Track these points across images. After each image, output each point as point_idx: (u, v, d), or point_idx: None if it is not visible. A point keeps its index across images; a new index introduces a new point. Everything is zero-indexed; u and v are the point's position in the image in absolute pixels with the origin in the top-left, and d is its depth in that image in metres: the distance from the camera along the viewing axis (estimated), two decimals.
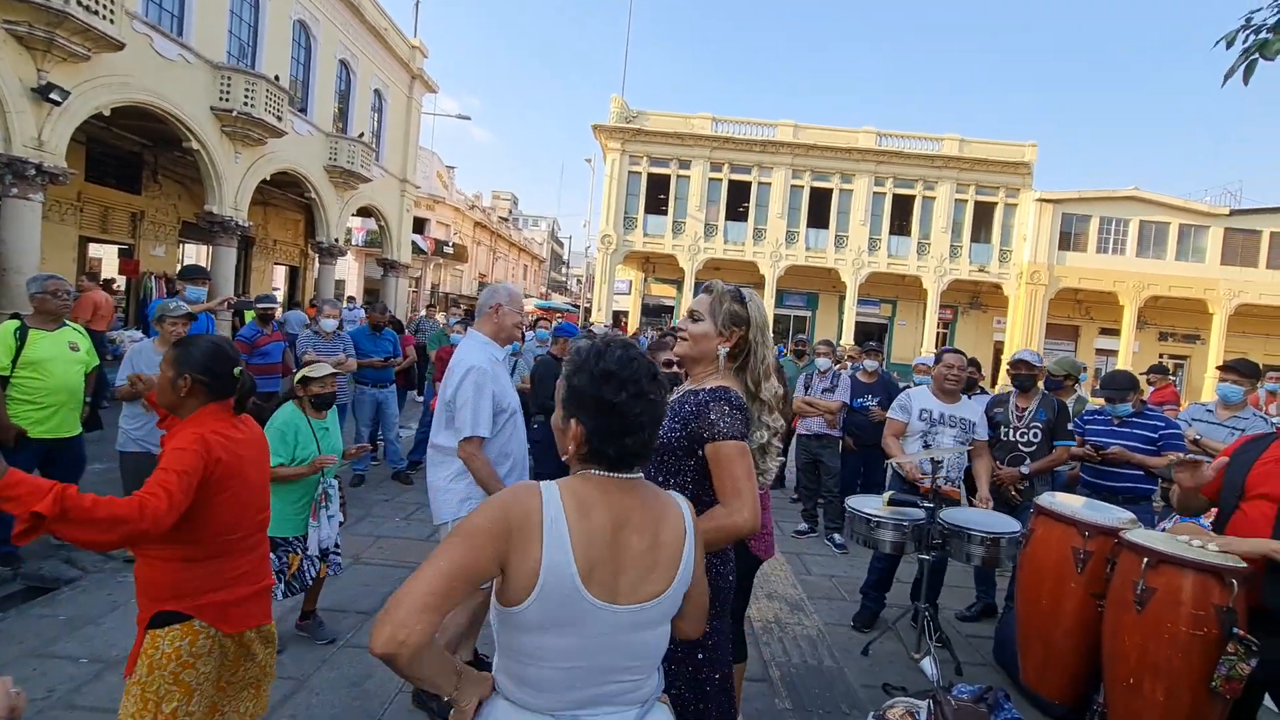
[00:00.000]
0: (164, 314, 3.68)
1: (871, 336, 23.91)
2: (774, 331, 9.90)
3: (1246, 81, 5.09)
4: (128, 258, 14.21)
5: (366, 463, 6.08)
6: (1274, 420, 4.35)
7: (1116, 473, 3.80)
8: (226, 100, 11.88)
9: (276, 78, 12.85)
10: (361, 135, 17.07)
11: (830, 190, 24.02)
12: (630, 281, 26.34)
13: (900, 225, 24.09)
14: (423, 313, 16.10)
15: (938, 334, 24.57)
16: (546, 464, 4.43)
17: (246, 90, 12.03)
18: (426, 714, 2.65)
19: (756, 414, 1.86)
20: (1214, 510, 2.22)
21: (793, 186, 23.96)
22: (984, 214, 23.97)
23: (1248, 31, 5.26)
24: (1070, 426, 4.13)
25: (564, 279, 64.89)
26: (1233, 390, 3.95)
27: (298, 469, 2.92)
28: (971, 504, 3.69)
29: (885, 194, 23.88)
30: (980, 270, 23.71)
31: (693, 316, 1.91)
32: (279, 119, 12.79)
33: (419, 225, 28.64)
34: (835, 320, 24.77)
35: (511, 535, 1.02)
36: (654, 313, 26.46)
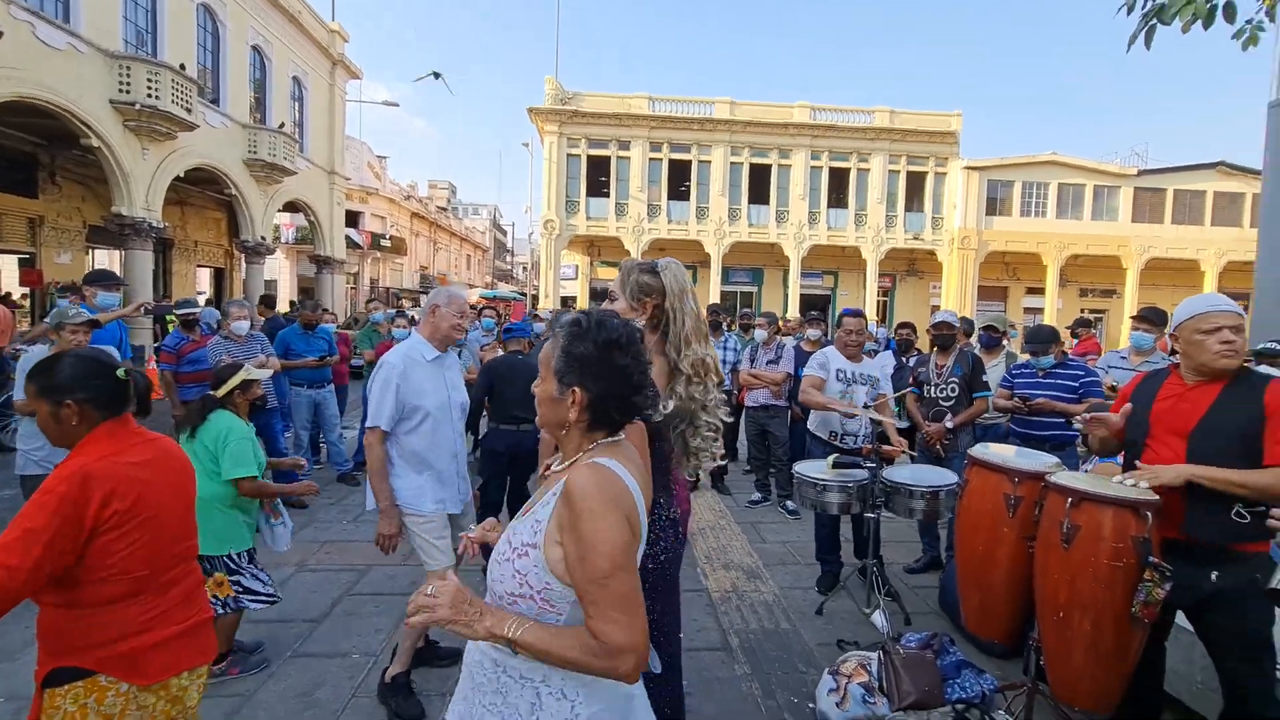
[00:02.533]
0: (62, 320, 3.39)
1: (816, 307, 24.41)
2: (722, 307, 9.96)
3: (1149, 46, 5.33)
4: (29, 267, 13.17)
5: (310, 467, 5.84)
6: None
7: (1043, 422, 4.00)
8: (127, 92, 11.07)
9: (182, 66, 12.05)
10: (282, 126, 16.23)
11: (769, 166, 24.29)
12: (576, 266, 26.11)
13: (838, 198, 24.60)
14: (363, 308, 15.56)
15: (878, 302, 25.34)
16: (488, 468, 4.17)
17: (149, 81, 11.23)
18: (387, 711, 2.58)
19: (675, 385, 1.79)
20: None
21: (732, 164, 24.11)
22: (916, 184, 24.71)
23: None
24: (1000, 381, 4.33)
25: (509, 267, 63.84)
26: (1144, 338, 4.20)
27: (297, 485, 2.89)
28: (913, 459, 3.83)
29: (822, 168, 24.31)
30: (915, 238, 24.48)
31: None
32: (189, 111, 12.03)
33: (352, 219, 27.59)
34: (781, 294, 25.20)
35: (633, 525, 1.11)
36: (601, 296, 26.17)
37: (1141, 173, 24.28)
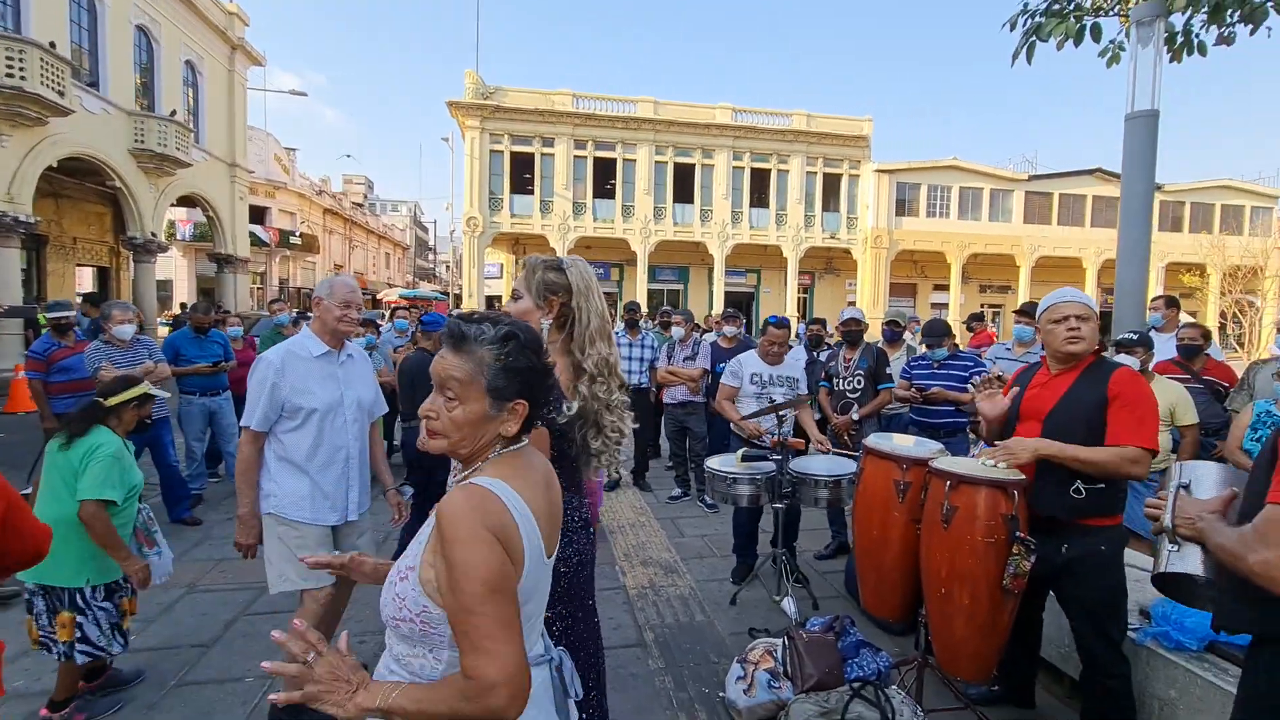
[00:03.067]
0: None
1: (740, 305, 25.06)
2: (647, 306, 9.99)
3: (1030, 61, 5.76)
4: None
5: (203, 481, 5.46)
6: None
7: (937, 410, 4.26)
8: None
9: (52, 44, 10.95)
10: (173, 113, 15.05)
11: (693, 166, 24.66)
12: (501, 264, 25.62)
13: (759, 198, 25.28)
14: (265, 311, 14.69)
15: (799, 299, 26.23)
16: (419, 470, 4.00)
17: (10, 59, 10.15)
18: None
19: (579, 384, 1.75)
20: None
21: (657, 163, 24.31)
22: (832, 185, 25.74)
23: (1025, 16, 5.95)
24: (900, 373, 4.57)
25: (431, 265, 61.88)
26: (1025, 330, 4.54)
27: (134, 566, 2.48)
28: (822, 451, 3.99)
29: (744, 168, 24.90)
30: (832, 237, 25.51)
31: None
32: (60, 94, 10.95)
33: (258, 214, 25.97)
34: (706, 292, 25.66)
35: (511, 550, 1.05)
36: None
37: (1031, 178, 26.27)
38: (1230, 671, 2.21)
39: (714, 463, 3.52)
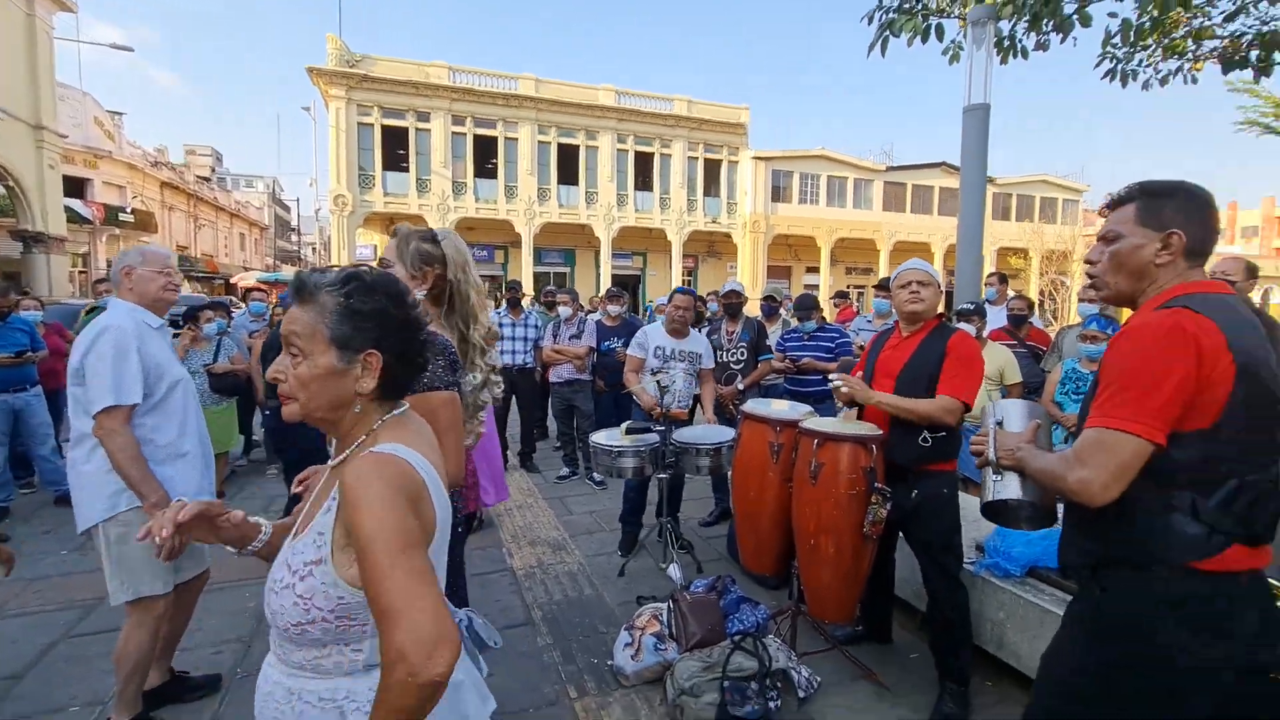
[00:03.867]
0: None
1: (626, 287, 25.23)
2: (534, 289, 9.81)
3: (884, 54, 6.19)
4: None
5: (10, 491, 4.69)
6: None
7: (808, 379, 4.53)
8: None
9: None
10: None
11: (577, 147, 24.39)
12: (375, 246, 24.04)
13: (644, 181, 25.52)
14: (90, 298, 12.81)
15: (684, 281, 26.89)
16: (291, 450, 3.80)
17: None
18: None
19: (472, 357, 1.78)
20: None
21: (540, 143, 23.81)
22: (713, 171, 26.51)
23: (880, 12, 6.38)
24: (775, 345, 4.81)
25: (295, 247, 56.94)
26: (882, 303, 4.93)
27: None
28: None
29: (628, 151, 25.00)
30: (713, 222, 26.34)
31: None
32: None
33: (76, 186, 22.53)
34: (593, 274, 25.63)
35: (422, 513, 0.99)
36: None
37: (889, 169, 28.56)
38: (1046, 592, 2.54)
39: (599, 437, 3.52)
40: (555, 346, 5.45)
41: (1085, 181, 32.52)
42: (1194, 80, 7.06)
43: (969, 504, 2.94)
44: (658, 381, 3.47)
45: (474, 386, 1.78)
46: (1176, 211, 1.35)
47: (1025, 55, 6.54)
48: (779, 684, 2.47)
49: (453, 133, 22.66)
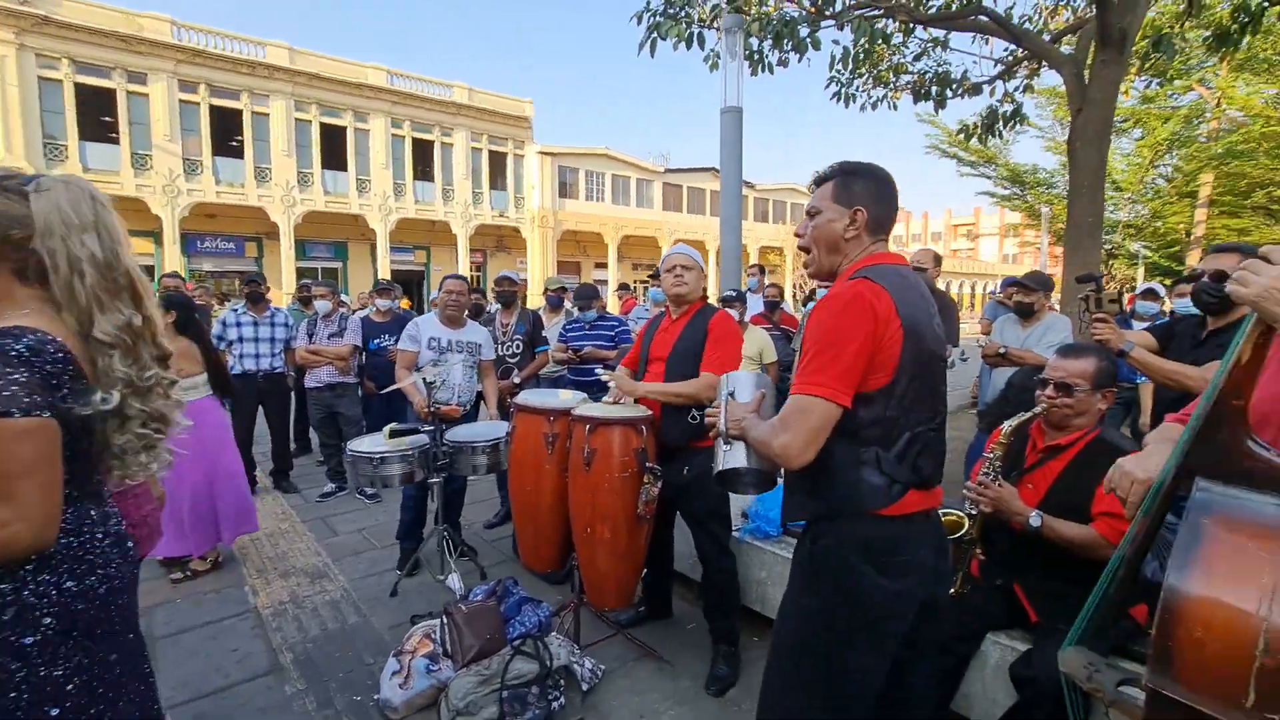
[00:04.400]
0: None
1: (408, 283, 23.67)
2: (296, 285, 8.54)
3: (653, 55, 6.43)
4: None
5: None
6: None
7: (590, 368, 4.53)
8: None
9: None
10: None
11: (344, 129, 22.09)
12: None
13: (424, 170, 24.02)
14: None
15: (472, 277, 25.90)
16: None
17: None
18: None
19: (108, 366, 1.25)
20: None
21: (298, 120, 21.09)
22: (498, 163, 25.87)
23: (648, 14, 6.62)
24: (557, 336, 4.74)
25: None
26: (658, 292, 5.12)
27: None
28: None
29: (404, 137, 23.30)
30: (501, 216, 25.75)
31: None
32: None
33: None
34: (369, 269, 23.50)
35: None
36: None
37: (667, 171, 30.48)
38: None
39: (357, 444, 3.11)
40: (311, 347, 4.77)
41: None
42: (895, 107, 8.50)
43: None
44: (424, 378, 3.16)
45: (97, 408, 1.27)
46: (863, 190, 1.49)
47: (771, 70, 7.33)
48: (561, 681, 2.39)
49: (181, 101, 19.06)
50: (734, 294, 4.41)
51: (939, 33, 7.84)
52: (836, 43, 7.37)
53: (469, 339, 3.82)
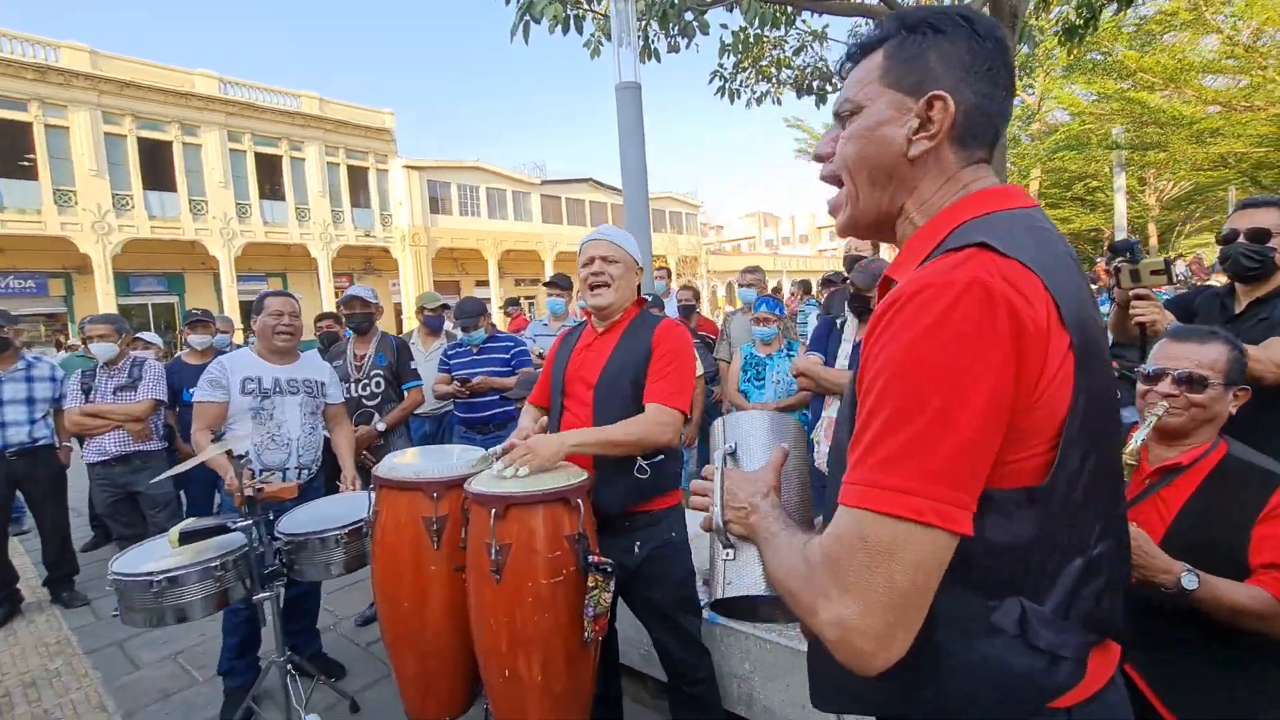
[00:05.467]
0: None
1: None
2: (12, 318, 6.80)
3: (526, 40, 5.63)
4: None
5: None
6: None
7: (484, 401, 3.64)
8: None
9: None
10: None
11: (169, 143, 19.21)
12: None
13: (272, 189, 21.49)
14: None
15: (337, 307, 23.55)
16: None
17: None
18: None
19: None
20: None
21: (108, 134, 18.04)
22: (359, 179, 23.76)
23: None
24: (439, 367, 3.81)
25: None
26: (556, 303, 4.32)
27: None
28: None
29: (245, 152, 20.70)
30: (367, 235, 23.64)
31: None
32: None
33: None
34: (214, 301, 20.56)
35: None
36: None
37: (543, 182, 29.58)
38: (794, 628, 2.11)
39: (125, 563, 2.02)
40: (88, 408, 3.48)
41: (699, 199, 38.82)
42: (778, 102, 8.29)
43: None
44: (233, 446, 2.14)
45: None
46: (942, 59, 0.76)
47: (659, 58, 6.80)
48: None
49: None
50: (648, 299, 3.70)
51: (819, 25, 7.71)
52: (725, 25, 7.14)
53: (306, 376, 2.79)
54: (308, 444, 2.78)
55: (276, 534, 2.20)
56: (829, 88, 7.90)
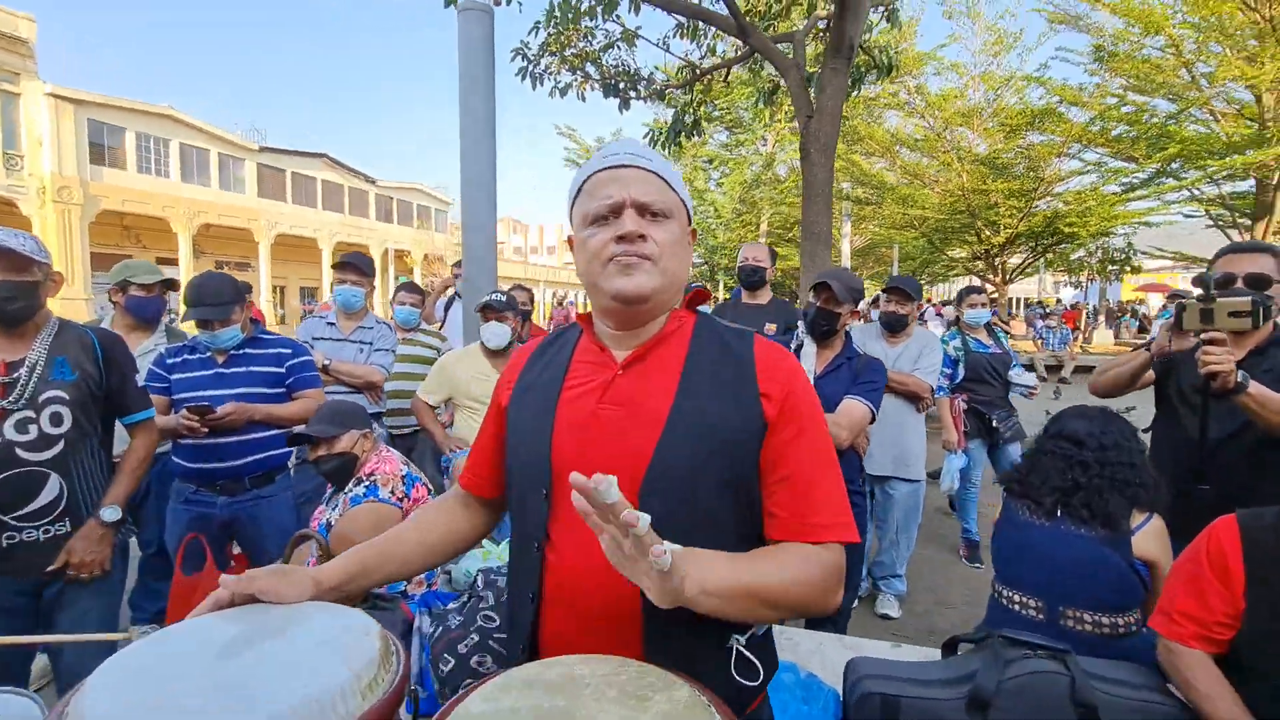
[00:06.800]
0: None
1: None
2: None
3: None
4: None
5: None
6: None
7: (236, 443, 2.41)
8: None
9: None
10: None
11: None
12: None
13: None
14: None
15: None
16: None
17: None
18: None
19: None
20: None
21: None
22: None
23: None
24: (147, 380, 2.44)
25: None
26: (351, 292, 3.17)
27: None
28: None
29: None
30: None
31: None
32: None
33: None
34: None
35: None
36: None
37: (263, 149, 24.81)
38: None
39: None
40: None
41: (450, 195, 36.72)
42: (583, 98, 7.86)
43: None
44: None
45: None
46: None
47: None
48: None
49: None
50: (500, 297, 2.88)
51: (631, 25, 7.47)
52: None
53: None
54: None
55: None
56: (634, 93, 7.69)
